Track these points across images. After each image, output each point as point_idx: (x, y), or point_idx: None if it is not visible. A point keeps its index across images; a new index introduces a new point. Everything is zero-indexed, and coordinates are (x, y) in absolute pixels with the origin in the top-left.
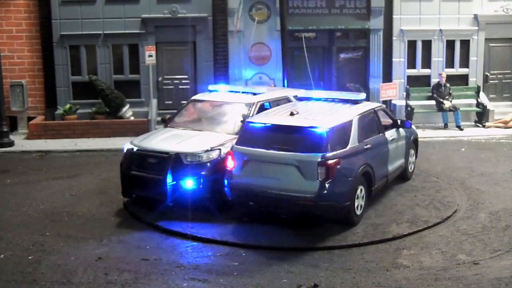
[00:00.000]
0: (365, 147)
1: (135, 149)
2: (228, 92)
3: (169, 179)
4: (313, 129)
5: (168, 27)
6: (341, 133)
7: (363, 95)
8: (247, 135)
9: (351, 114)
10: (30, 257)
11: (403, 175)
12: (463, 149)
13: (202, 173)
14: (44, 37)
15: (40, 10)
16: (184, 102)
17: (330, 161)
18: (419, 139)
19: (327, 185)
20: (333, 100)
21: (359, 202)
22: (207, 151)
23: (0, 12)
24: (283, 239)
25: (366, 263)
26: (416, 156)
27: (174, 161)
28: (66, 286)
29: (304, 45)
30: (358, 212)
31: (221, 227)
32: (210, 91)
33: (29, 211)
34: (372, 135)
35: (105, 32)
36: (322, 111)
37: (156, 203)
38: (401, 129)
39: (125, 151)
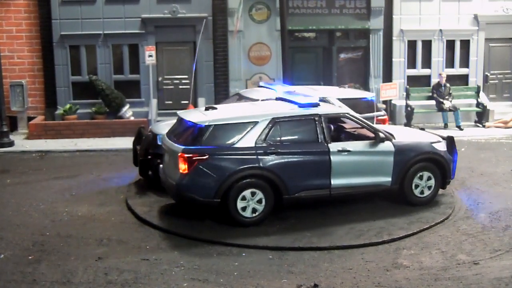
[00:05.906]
0: (268, 151)
1: (149, 130)
2: (268, 89)
3: (141, 155)
4: (192, 124)
5: (168, 27)
6: (230, 132)
7: (311, 99)
8: (174, 127)
9: (262, 115)
10: (30, 257)
11: (404, 198)
12: (463, 149)
13: None
14: (44, 37)
15: (40, 10)
16: (185, 102)
17: (188, 155)
18: None
19: (185, 177)
20: (293, 102)
21: (250, 205)
22: None
23: (0, 12)
24: (282, 238)
25: (366, 263)
26: (444, 182)
27: (151, 141)
28: (66, 286)
29: (371, 45)
30: (248, 214)
31: (221, 228)
32: (260, 86)
33: (29, 211)
34: (297, 140)
35: (105, 32)
36: (238, 110)
37: (156, 202)
38: (386, 144)
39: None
